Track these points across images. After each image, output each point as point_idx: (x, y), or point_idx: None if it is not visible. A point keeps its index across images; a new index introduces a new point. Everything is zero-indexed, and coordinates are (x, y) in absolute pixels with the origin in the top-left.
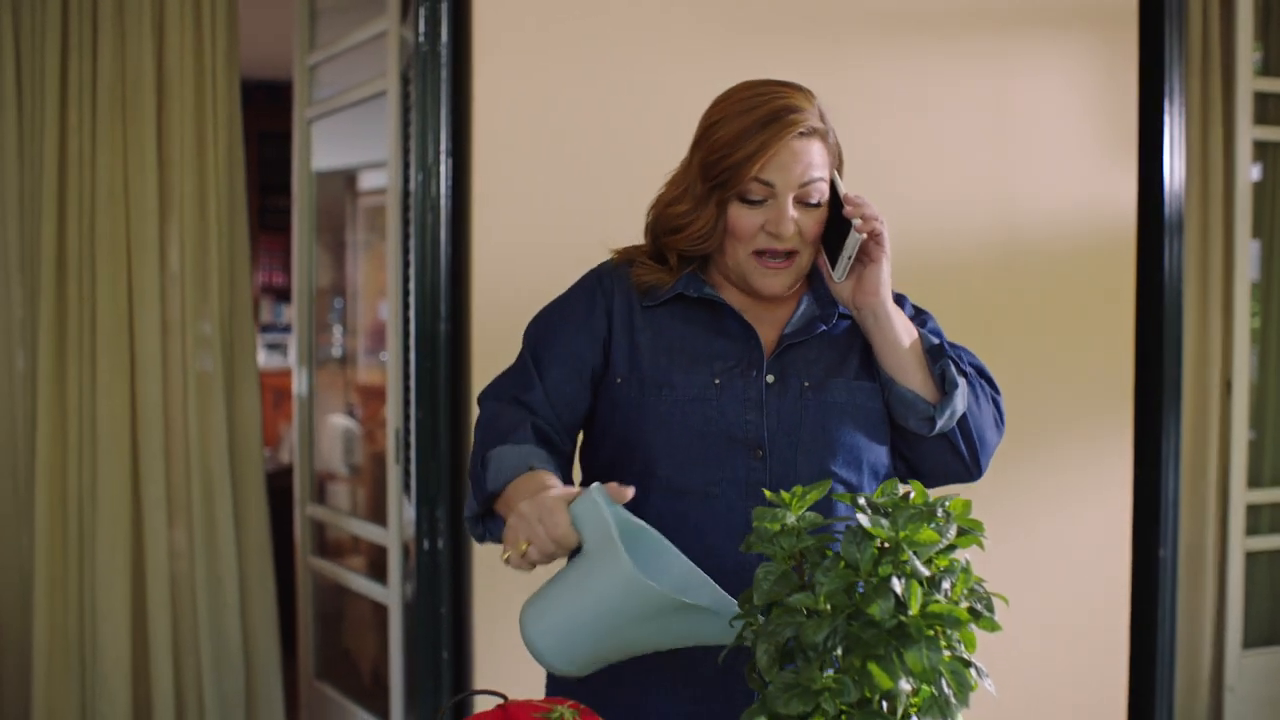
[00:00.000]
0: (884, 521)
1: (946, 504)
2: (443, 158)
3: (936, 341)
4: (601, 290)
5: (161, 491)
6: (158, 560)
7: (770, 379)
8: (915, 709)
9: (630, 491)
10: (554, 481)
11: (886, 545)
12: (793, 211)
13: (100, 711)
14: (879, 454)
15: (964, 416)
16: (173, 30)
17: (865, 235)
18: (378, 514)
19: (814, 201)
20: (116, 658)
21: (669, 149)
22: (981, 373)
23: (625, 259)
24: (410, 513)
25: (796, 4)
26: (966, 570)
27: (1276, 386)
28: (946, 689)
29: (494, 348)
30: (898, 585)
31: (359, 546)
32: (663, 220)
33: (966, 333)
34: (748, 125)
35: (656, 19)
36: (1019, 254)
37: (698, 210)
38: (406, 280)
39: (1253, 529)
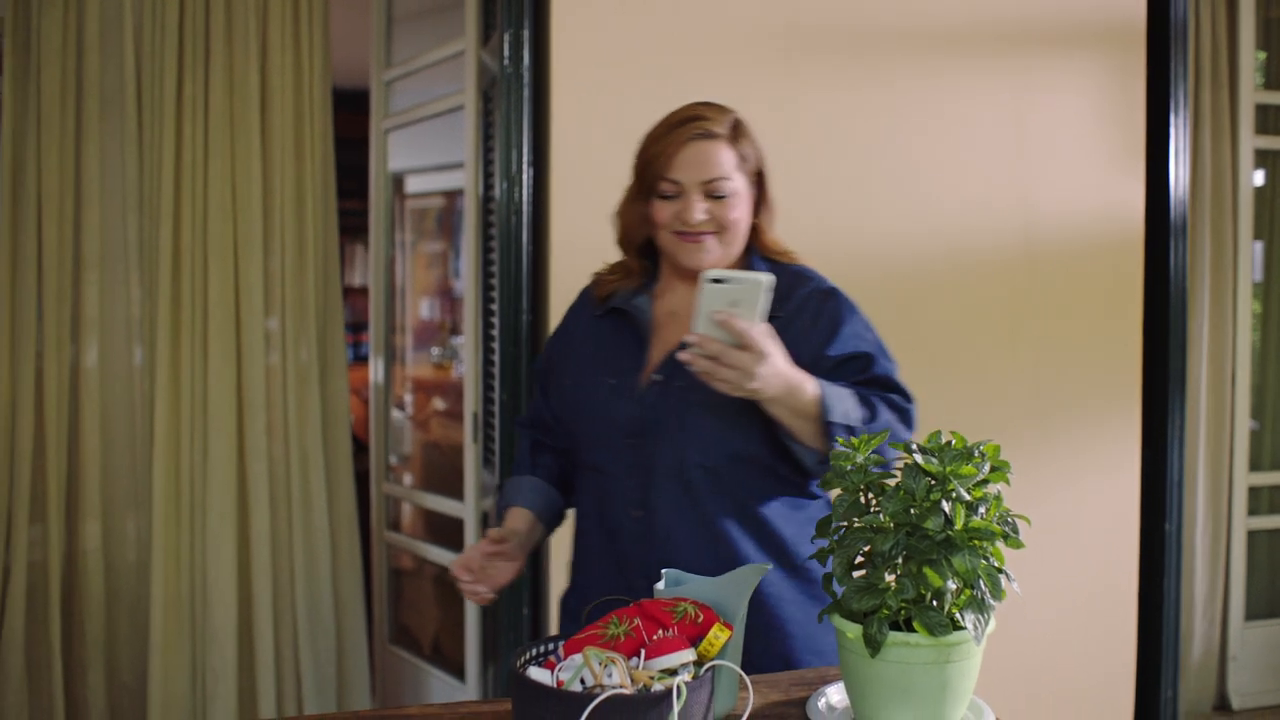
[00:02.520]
0: (934, 460)
1: (982, 447)
2: (524, 168)
3: (829, 419)
4: (579, 305)
5: (264, 468)
6: (260, 529)
7: (659, 378)
8: (959, 606)
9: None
10: (513, 524)
11: (936, 477)
12: (703, 203)
13: (210, 665)
14: (740, 442)
15: None
16: (274, 51)
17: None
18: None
19: (722, 195)
20: (224, 617)
21: None
22: (891, 387)
23: (597, 277)
24: (491, 481)
25: (842, 30)
26: (998, 498)
27: (1277, 378)
28: (984, 590)
29: None
30: (946, 507)
31: (429, 521)
32: (616, 228)
33: (989, 325)
34: (660, 134)
35: (718, 44)
36: (1037, 253)
37: (632, 208)
38: (488, 276)
39: (1254, 509)
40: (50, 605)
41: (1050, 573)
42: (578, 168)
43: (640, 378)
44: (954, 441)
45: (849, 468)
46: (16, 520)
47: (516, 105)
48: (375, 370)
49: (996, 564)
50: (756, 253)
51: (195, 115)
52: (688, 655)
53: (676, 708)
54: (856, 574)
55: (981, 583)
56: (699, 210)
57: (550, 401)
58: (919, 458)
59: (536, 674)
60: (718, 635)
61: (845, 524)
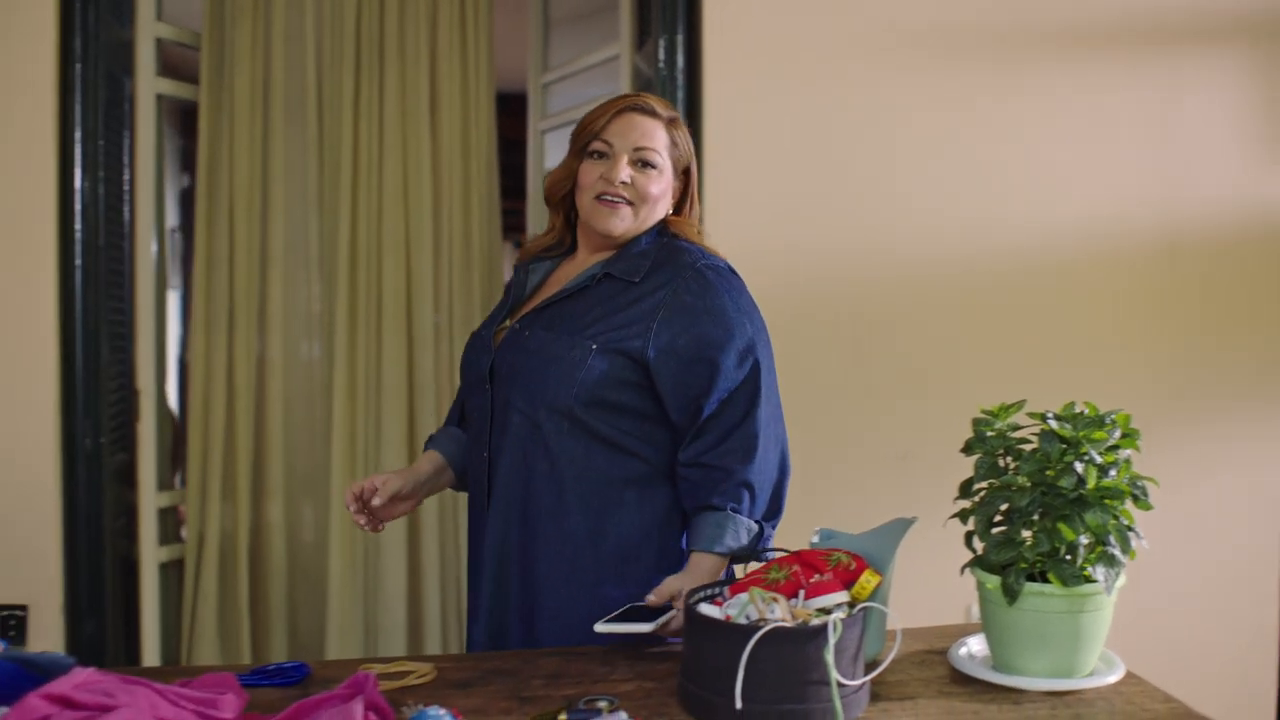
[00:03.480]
0: (1067, 425)
1: (1113, 416)
2: None
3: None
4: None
5: None
6: (428, 506)
7: (516, 327)
8: (1091, 561)
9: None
10: (417, 463)
11: (1069, 442)
12: (628, 169)
13: (382, 626)
14: (557, 393)
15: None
16: (443, 59)
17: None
18: None
19: (649, 164)
20: (394, 584)
21: (876, 158)
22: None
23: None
24: None
25: (987, 30)
26: (1128, 462)
27: None
28: (1114, 545)
29: None
30: (1079, 467)
31: None
32: (545, 192)
33: (1137, 318)
34: (602, 108)
35: (865, 47)
36: (1183, 246)
37: (564, 168)
38: None
39: None
40: (238, 571)
41: (1197, 552)
42: (729, 165)
43: (494, 327)
44: (1086, 410)
45: (988, 434)
46: (210, 496)
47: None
48: None
49: (1126, 522)
50: (653, 232)
51: (370, 119)
52: (842, 597)
53: (832, 640)
54: (995, 530)
55: (1112, 538)
56: (624, 172)
57: None
58: (1054, 424)
59: (707, 609)
60: (869, 580)
61: (985, 484)
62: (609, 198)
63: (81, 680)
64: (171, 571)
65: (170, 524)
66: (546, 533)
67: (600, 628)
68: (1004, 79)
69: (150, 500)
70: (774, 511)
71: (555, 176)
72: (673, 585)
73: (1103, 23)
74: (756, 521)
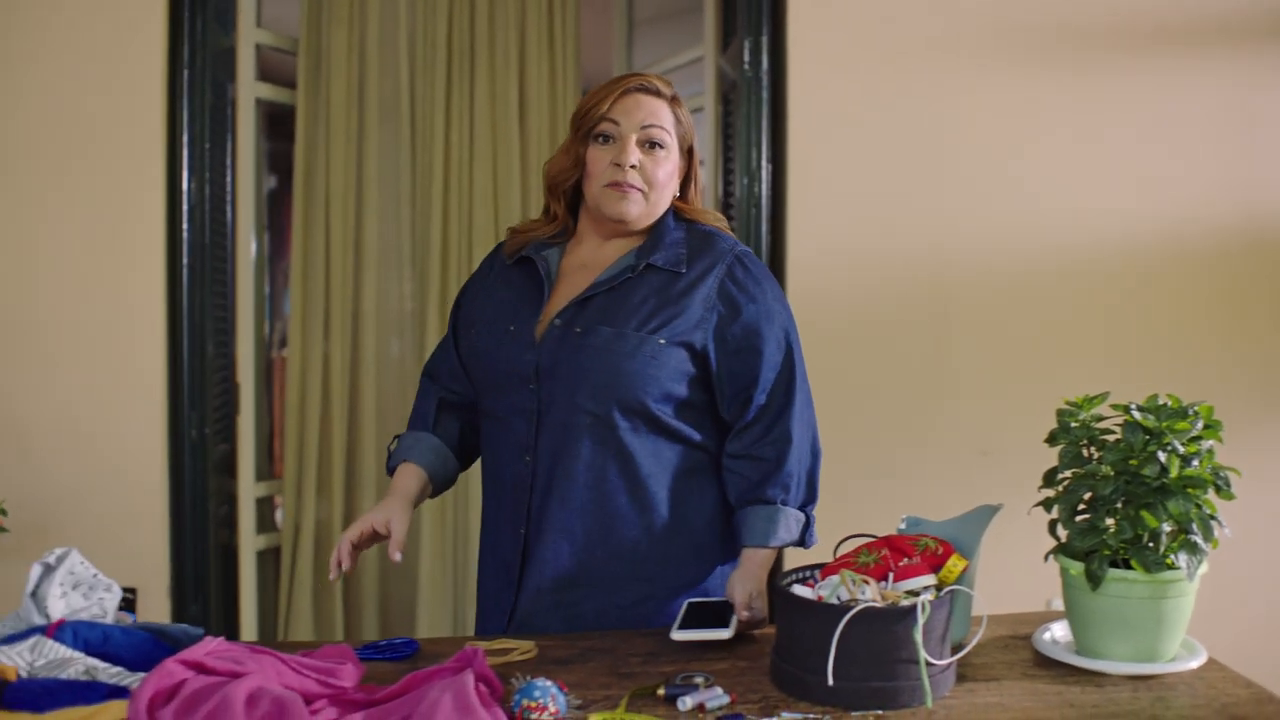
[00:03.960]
0: (1150, 416)
1: (1196, 408)
2: (763, 164)
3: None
4: (493, 257)
5: None
6: None
7: (558, 322)
8: (1173, 549)
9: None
10: (405, 483)
11: (1151, 432)
12: (637, 151)
13: (469, 614)
14: (627, 391)
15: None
16: (531, 62)
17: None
18: None
19: (657, 144)
20: None
21: (957, 156)
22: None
23: (512, 230)
24: None
25: (1064, 32)
26: (1210, 452)
27: None
28: (1196, 534)
29: (806, 317)
30: (1161, 457)
31: None
32: (547, 173)
33: (1216, 315)
34: (603, 86)
35: (944, 50)
36: (1265, 242)
37: (567, 154)
38: None
39: None
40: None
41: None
42: (813, 164)
43: (539, 324)
44: (1169, 402)
45: (1072, 424)
46: (305, 488)
47: (756, 107)
48: None
49: (1209, 511)
50: (670, 216)
51: (461, 121)
52: (929, 580)
53: (921, 620)
54: (1078, 518)
55: (1194, 526)
56: (633, 155)
57: (460, 349)
58: (1137, 415)
59: (800, 590)
60: (955, 565)
61: (1069, 474)
62: (620, 186)
63: (212, 649)
64: (268, 559)
65: (267, 513)
66: (622, 532)
67: (677, 636)
68: (1084, 77)
69: (249, 490)
70: (812, 498)
71: (560, 165)
72: (744, 590)
73: (1181, 20)
74: (802, 510)
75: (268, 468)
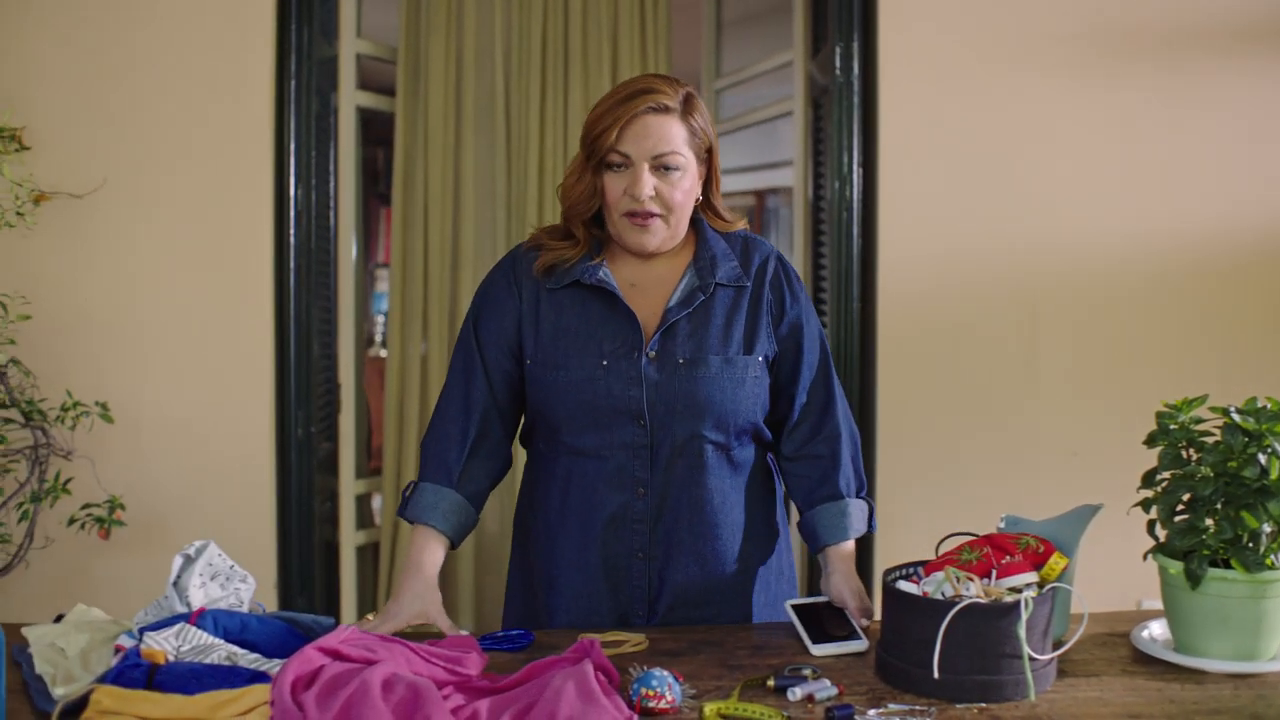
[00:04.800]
0: (1250, 419)
1: None
2: (855, 169)
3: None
4: (515, 274)
5: None
6: None
7: (652, 354)
8: (1274, 549)
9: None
10: (428, 560)
11: (1251, 434)
12: (651, 178)
13: None
14: (746, 415)
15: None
16: (624, 65)
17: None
18: None
19: (671, 168)
20: None
21: (1045, 161)
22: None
23: (533, 244)
24: None
25: (1156, 37)
26: None
27: None
28: None
29: (896, 318)
30: (1262, 458)
31: None
32: (563, 198)
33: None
34: (610, 105)
35: (1034, 55)
36: None
37: (581, 181)
38: (818, 267)
39: None
40: None
41: None
42: (904, 168)
43: (632, 356)
44: (1269, 405)
45: (1171, 426)
46: (404, 484)
47: (847, 111)
48: None
49: None
50: (706, 225)
51: (556, 125)
52: (1031, 577)
53: (1024, 615)
54: (1177, 519)
55: None
56: (648, 185)
57: (494, 385)
58: (1237, 417)
59: (905, 586)
60: (1056, 563)
61: (1167, 475)
62: (638, 218)
63: (346, 636)
64: (366, 554)
65: (366, 510)
66: (739, 541)
67: (817, 651)
68: (1168, 80)
69: (350, 487)
70: (862, 483)
71: (577, 193)
72: (852, 593)
73: (1267, 21)
74: (863, 499)
75: (366, 465)
